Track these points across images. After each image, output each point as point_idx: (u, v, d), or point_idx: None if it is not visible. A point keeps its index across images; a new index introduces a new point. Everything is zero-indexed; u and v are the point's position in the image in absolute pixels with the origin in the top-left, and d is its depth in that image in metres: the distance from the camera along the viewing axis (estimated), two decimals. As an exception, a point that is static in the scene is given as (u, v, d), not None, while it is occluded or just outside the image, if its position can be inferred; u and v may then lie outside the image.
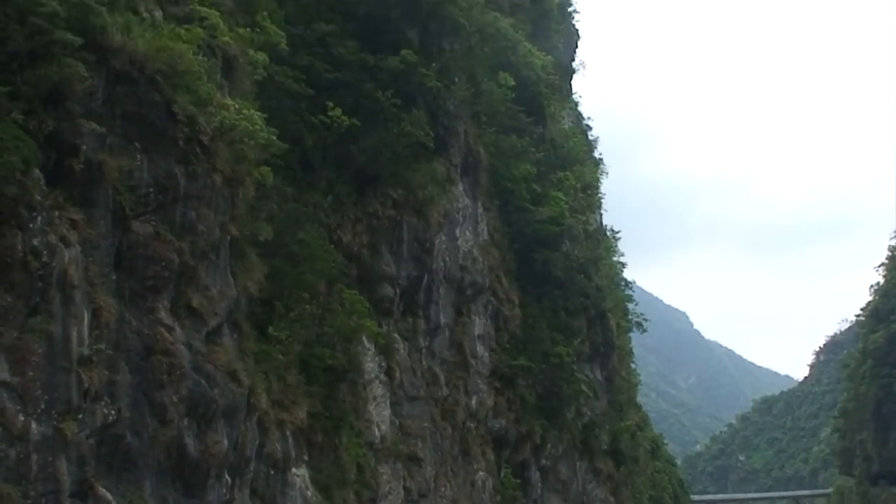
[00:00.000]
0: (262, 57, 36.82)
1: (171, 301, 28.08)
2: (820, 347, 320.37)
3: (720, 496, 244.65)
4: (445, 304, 52.35)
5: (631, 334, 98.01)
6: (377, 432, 43.36)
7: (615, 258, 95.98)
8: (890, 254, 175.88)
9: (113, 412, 25.38)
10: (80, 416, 24.00)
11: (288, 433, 34.84)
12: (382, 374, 44.84)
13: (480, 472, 54.99)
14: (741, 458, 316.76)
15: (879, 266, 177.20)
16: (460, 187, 55.74)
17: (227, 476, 29.76)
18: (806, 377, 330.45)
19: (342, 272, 42.73)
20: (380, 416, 43.96)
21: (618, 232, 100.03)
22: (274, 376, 34.70)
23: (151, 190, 27.55)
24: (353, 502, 40.14)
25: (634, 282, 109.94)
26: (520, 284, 63.85)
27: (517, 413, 59.98)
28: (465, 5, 51.07)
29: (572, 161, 78.47)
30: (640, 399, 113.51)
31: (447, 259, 52.38)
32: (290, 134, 39.38)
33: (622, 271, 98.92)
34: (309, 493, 35.82)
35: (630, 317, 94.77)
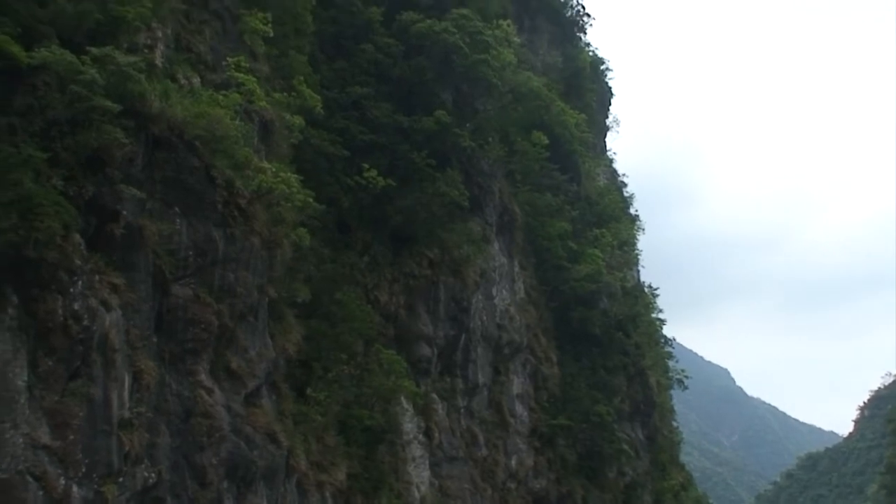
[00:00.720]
0: (298, 120, 37.35)
1: (211, 363, 28.23)
2: (864, 402, 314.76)
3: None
4: (483, 364, 52.16)
5: (672, 392, 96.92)
6: (416, 493, 43.04)
7: (654, 315, 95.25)
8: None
9: (153, 475, 25.40)
10: (121, 479, 24.04)
11: (327, 494, 34.69)
12: (421, 435, 44.63)
13: (522, 534, 54.27)
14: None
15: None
16: (496, 246, 55.81)
17: (266, 539, 29.62)
18: (850, 433, 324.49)
19: (379, 332, 42.81)
20: (419, 476, 43.68)
21: (656, 289, 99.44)
22: (313, 437, 34.66)
23: (190, 253, 27.84)
24: (394, 564, 39.78)
25: (674, 339, 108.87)
26: (558, 343, 63.53)
27: (558, 473, 59.32)
28: (497, 66, 51.53)
29: (608, 218, 78.35)
30: (682, 458, 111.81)
31: (484, 318, 52.30)
32: (326, 195, 39.77)
33: (661, 328, 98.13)
34: (349, 556, 35.55)
35: (670, 374, 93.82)
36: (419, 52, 49.55)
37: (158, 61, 30.05)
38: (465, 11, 51.37)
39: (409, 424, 43.20)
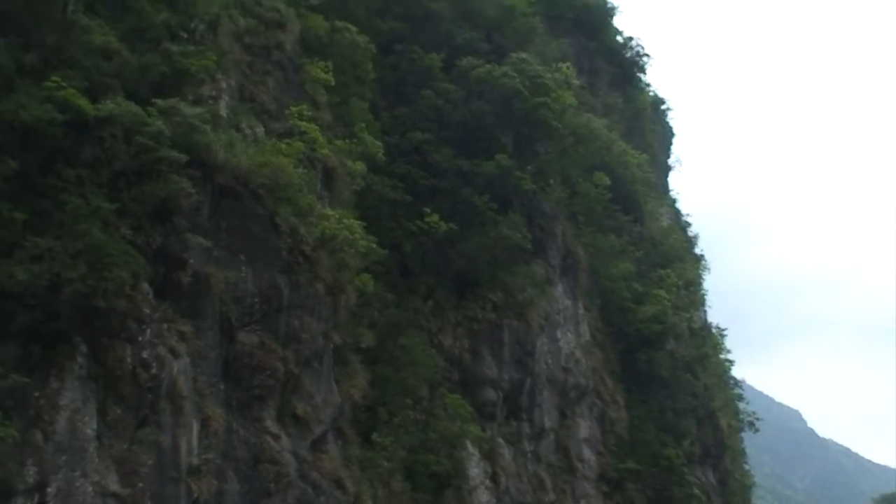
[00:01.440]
0: (360, 167, 37.68)
1: (277, 409, 28.35)
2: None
3: None
4: (549, 407, 51.68)
5: (743, 434, 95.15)
6: (484, 539, 42.58)
7: (722, 356, 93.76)
8: None
9: (221, 522, 25.47)
10: (190, 527, 24.13)
11: (394, 541, 34.49)
12: (488, 480, 44.22)
13: (592, 580, 53.39)
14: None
15: None
16: (560, 288, 55.49)
17: (334, 586, 29.46)
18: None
19: (444, 377, 42.68)
20: (486, 522, 43.22)
21: (723, 329, 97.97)
22: (379, 483, 34.53)
23: (256, 300, 28.11)
24: None
25: (744, 380, 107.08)
26: (624, 385, 62.74)
27: (627, 518, 58.36)
28: (557, 108, 51.54)
29: (672, 258, 77.51)
30: (755, 501, 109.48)
31: (549, 361, 51.90)
32: (389, 241, 39.94)
33: (730, 369, 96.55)
34: None
35: (741, 416, 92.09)
36: (479, 96, 49.77)
37: (223, 112, 30.58)
38: (524, 55, 51.56)
39: (476, 469, 42.84)
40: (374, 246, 34.22)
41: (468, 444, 42.17)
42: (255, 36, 35.32)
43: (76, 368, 22.59)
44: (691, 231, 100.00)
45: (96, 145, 25.69)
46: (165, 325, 24.61)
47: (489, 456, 44.62)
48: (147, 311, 24.03)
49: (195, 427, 24.71)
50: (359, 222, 33.39)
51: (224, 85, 31.42)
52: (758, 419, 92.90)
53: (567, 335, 55.03)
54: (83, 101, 25.88)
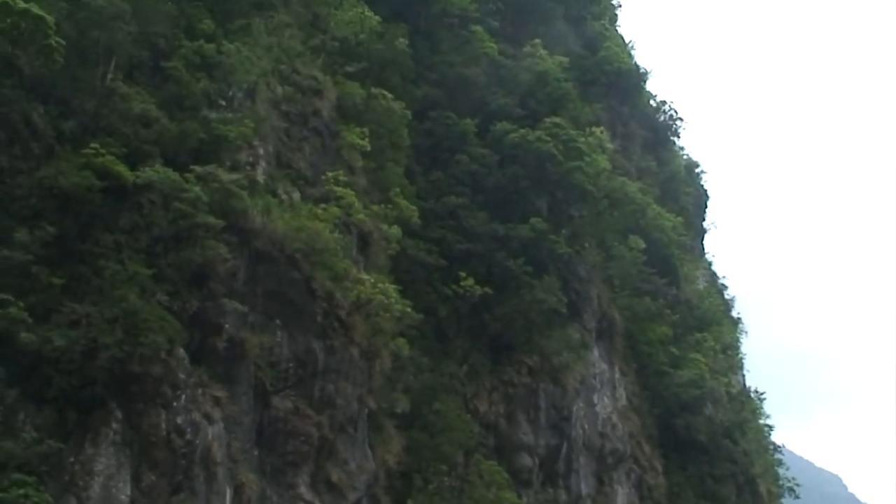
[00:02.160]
0: (395, 231, 37.80)
1: (311, 476, 28.14)
2: None
3: None
4: (586, 474, 50.98)
5: (783, 500, 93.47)
6: None
7: (761, 421, 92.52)
8: None
9: (255, 591, 25.17)
10: None
11: None
12: (524, 548, 43.54)
13: None
14: None
15: None
16: (596, 352, 55.07)
17: None
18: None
19: (479, 442, 42.28)
20: (523, 591, 42.47)
21: (762, 393, 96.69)
22: (414, 551, 34.07)
23: (291, 365, 28.08)
24: None
25: (783, 445, 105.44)
26: (662, 451, 61.87)
27: (667, 587, 57.18)
28: (591, 172, 51.62)
29: (709, 322, 76.82)
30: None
31: (586, 426, 51.32)
32: (424, 305, 39.87)
33: (769, 434, 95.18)
34: None
35: (781, 482, 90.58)
36: (513, 161, 49.95)
37: (260, 177, 30.86)
38: (557, 120, 51.78)
39: (512, 537, 42.16)
40: (409, 310, 34.17)
41: (504, 511, 41.56)
42: (292, 103, 35.77)
43: (111, 434, 22.58)
44: (728, 294, 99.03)
45: (135, 211, 25.96)
46: (200, 391, 24.59)
47: (526, 523, 43.97)
48: (182, 376, 24.05)
49: (229, 493, 24.56)
50: (394, 286, 33.41)
51: (261, 151, 31.74)
52: (797, 485, 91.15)
53: (604, 399, 54.47)
54: (122, 168, 26.22)
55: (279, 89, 35.25)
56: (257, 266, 28.01)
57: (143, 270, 24.91)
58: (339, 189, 34.43)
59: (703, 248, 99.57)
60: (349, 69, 42.21)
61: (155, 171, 26.63)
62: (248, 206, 28.01)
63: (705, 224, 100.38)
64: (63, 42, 27.24)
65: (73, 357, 22.99)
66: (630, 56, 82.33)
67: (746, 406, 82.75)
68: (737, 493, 67.44)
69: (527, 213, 48.72)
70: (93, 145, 26.41)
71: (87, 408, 22.99)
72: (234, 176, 28.48)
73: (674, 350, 64.75)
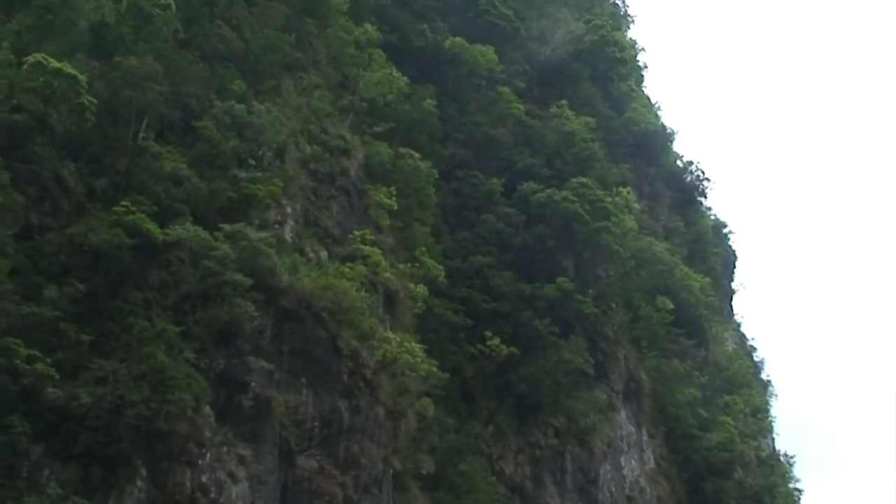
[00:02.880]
0: (421, 290, 37.83)
1: (336, 537, 27.84)
2: None
3: None
4: (614, 538, 50.23)
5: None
6: None
7: (791, 485, 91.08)
8: None
9: None
10: None
11: None
12: None
13: None
14: None
15: None
16: (623, 414, 54.55)
17: None
18: None
19: (505, 505, 41.77)
20: None
21: (792, 456, 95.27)
22: None
23: (316, 424, 27.98)
24: None
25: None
26: (691, 515, 60.96)
27: None
28: (618, 232, 51.57)
29: (739, 384, 75.94)
30: None
31: (613, 489, 50.65)
32: (449, 364, 39.74)
33: (799, 499, 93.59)
34: None
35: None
36: (540, 220, 49.97)
37: (287, 236, 31.05)
38: (584, 180, 51.88)
39: None
40: (435, 370, 34.08)
41: (530, 575, 41.01)
42: (320, 162, 36.08)
43: (136, 492, 22.52)
44: (757, 356, 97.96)
45: (164, 269, 26.16)
46: (225, 449, 24.53)
47: (552, 588, 43.31)
48: (208, 434, 24.01)
49: (253, 554, 24.33)
50: (420, 346, 33.37)
51: (289, 210, 31.98)
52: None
53: (631, 462, 53.83)
54: (152, 226, 26.46)
55: (308, 149, 35.60)
56: (284, 324, 28.08)
57: (170, 328, 25.02)
58: (365, 248, 34.57)
59: (732, 310, 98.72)
60: (377, 129, 42.61)
61: (184, 229, 26.87)
62: (275, 265, 28.15)
63: (734, 285, 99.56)
64: (95, 101, 27.70)
65: (99, 414, 23.03)
66: (656, 116, 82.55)
67: (776, 470, 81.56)
68: (768, 558, 66.28)
69: (553, 273, 48.63)
70: (123, 203, 26.69)
71: (112, 465, 22.96)
72: (263, 234, 28.67)
73: (702, 413, 64.01)
